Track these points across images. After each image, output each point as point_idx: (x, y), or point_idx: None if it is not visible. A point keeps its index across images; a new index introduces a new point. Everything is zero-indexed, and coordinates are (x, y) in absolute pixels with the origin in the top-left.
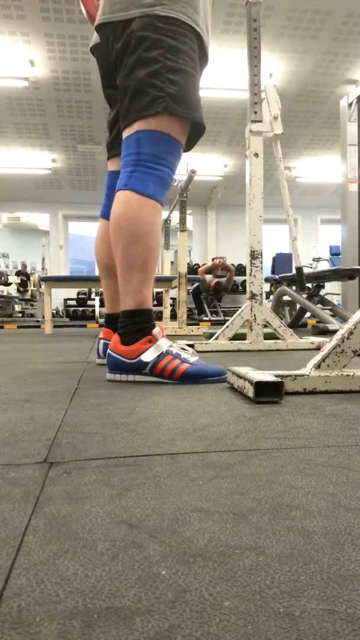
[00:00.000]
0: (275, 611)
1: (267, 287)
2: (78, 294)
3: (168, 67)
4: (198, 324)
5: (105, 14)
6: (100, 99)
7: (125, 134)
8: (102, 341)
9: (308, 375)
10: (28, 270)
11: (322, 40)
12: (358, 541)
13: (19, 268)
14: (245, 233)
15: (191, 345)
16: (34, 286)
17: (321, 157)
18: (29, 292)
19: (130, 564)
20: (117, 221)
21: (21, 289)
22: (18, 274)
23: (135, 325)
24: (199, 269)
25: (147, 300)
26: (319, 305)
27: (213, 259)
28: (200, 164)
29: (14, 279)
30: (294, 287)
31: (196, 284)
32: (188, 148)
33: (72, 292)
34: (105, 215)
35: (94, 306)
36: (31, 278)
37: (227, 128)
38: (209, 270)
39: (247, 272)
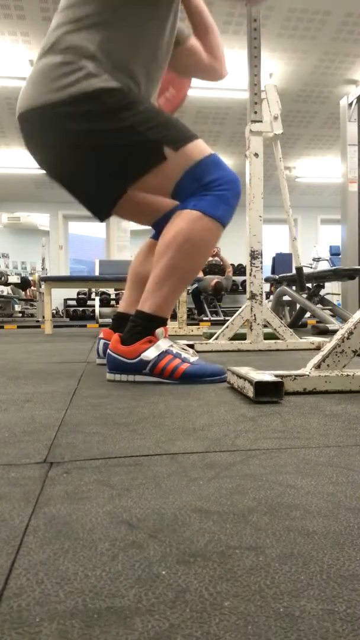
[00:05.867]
0: (275, 611)
1: (267, 287)
2: (78, 294)
3: (139, 120)
4: (198, 324)
5: (39, 98)
6: None
7: (165, 183)
8: (102, 341)
9: (308, 375)
10: (28, 269)
11: (322, 40)
12: (358, 541)
13: (19, 269)
14: (245, 233)
15: (191, 345)
16: (34, 286)
17: (321, 157)
18: (28, 293)
19: (130, 564)
20: (173, 234)
21: (23, 293)
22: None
23: (143, 327)
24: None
25: (167, 310)
26: (319, 305)
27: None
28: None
29: (13, 279)
30: (294, 287)
31: (196, 284)
32: None
33: (72, 292)
34: (155, 237)
35: (94, 306)
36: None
37: (227, 128)
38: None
39: (247, 272)
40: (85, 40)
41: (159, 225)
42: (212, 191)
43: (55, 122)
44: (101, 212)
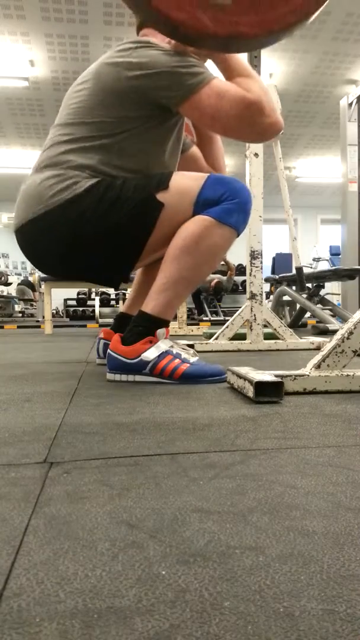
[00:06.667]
0: (275, 611)
1: (267, 287)
2: (78, 294)
3: (126, 189)
4: (198, 324)
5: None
6: None
7: (181, 218)
8: (102, 341)
9: (308, 375)
10: (28, 269)
11: (322, 40)
12: (358, 541)
13: (19, 269)
14: (245, 233)
15: (191, 346)
16: (34, 288)
17: (321, 157)
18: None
19: (130, 564)
20: (183, 238)
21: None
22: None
23: (145, 329)
24: None
25: (171, 313)
26: (319, 305)
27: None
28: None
29: (13, 279)
30: (294, 287)
31: None
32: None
33: (72, 292)
34: None
35: (94, 306)
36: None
37: None
38: None
39: (247, 272)
40: (82, 158)
41: None
42: (226, 202)
43: (50, 228)
44: (119, 282)
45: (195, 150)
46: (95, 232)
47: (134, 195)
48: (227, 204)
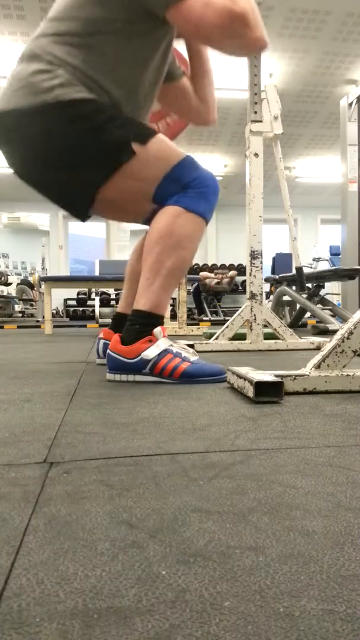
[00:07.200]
0: (275, 611)
1: (267, 287)
2: (78, 294)
3: (107, 120)
4: (198, 324)
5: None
6: None
7: (146, 188)
8: (102, 341)
9: (308, 375)
10: (28, 269)
11: (322, 40)
12: (358, 541)
13: (20, 269)
14: (245, 233)
15: (191, 345)
16: (34, 287)
17: (321, 157)
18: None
19: (130, 564)
20: (157, 230)
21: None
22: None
23: (142, 326)
24: (201, 274)
25: (162, 306)
26: (319, 305)
27: (216, 274)
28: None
29: (13, 279)
30: (294, 287)
31: (196, 284)
32: None
33: (72, 292)
34: None
35: (94, 306)
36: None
37: (227, 128)
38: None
39: (247, 272)
40: (66, 53)
41: (149, 222)
42: (193, 189)
43: (27, 126)
44: (79, 213)
45: (185, 82)
46: (65, 144)
47: (114, 131)
48: (193, 192)
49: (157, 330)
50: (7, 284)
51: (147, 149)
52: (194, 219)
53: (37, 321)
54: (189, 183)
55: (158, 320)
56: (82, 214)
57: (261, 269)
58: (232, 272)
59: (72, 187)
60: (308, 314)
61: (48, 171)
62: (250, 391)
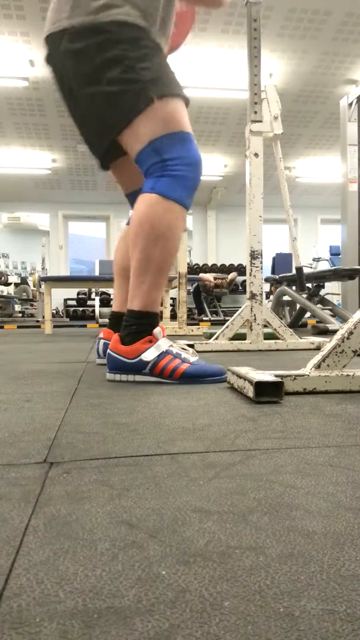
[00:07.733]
0: (275, 611)
1: (267, 287)
2: (78, 294)
3: (134, 57)
4: (198, 324)
5: (55, 23)
6: None
7: (134, 146)
8: (102, 341)
9: (308, 375)
10: (28, 269)
11: (322, 40)
12: (358, 541)
13: (19, 269)
14: (245, 233)
15: (191, 345)
16: (34, 286)
17: (321, 157)
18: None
19: (130, 564)
20: (138, 222)
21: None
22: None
23: (139, 326)
24: (201, 275)
25: (156, 303)
26: (319, 305)
27: (215, 278)
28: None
29: (13, 279)
30: (294, 287)
31: (196, 284)
32: None
33: (72, 292)
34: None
35: (94, 306)
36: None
37: (227, 128)
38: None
39: (247, 272)
40: None
41: (131, 197)
42: (169, 171)
43: (69, 49)
44: (101, 157)
45: None
46: (102, 65)
47: (139, 71)
48: (168, 174)
49: (157, 330)
50: (7, 284)
51: (163, 104)
52: (172, 206)
53: (37, 321)
54: (167, 160)
55: (153, 317)
56: (104, 161)
57: (261, 269)
58: (232, 274)
59: (99, 130)
60: (308, 314)
61: (91, 87)
62: (250, 391)
